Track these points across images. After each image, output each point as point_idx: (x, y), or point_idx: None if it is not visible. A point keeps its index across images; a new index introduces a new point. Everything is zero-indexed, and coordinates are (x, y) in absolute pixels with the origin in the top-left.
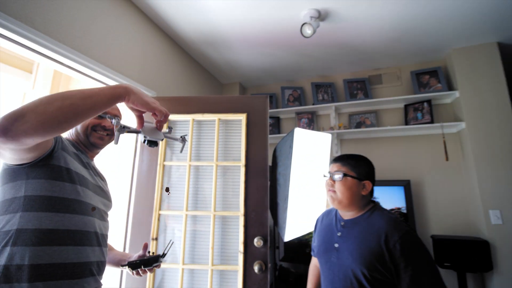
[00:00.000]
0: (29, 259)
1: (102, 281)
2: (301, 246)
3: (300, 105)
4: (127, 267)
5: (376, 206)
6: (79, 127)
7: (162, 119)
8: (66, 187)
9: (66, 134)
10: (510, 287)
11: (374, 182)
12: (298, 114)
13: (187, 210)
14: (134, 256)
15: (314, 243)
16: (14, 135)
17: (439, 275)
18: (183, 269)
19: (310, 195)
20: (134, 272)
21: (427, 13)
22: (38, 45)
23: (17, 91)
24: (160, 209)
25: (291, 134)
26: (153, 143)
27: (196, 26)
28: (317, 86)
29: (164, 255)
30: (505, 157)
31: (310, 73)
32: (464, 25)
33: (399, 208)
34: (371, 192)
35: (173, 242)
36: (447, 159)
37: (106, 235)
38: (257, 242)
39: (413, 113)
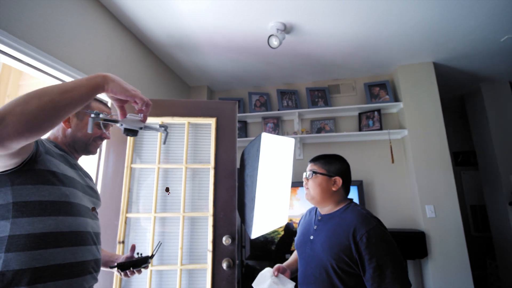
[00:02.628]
0: (26, 263)
1: None
2: (267, 244)
3: (266, 110)
4: (116, 268)
5: (352, 203)
6: (79, 134)
7: (143, 108)
8: (54, 191)
9: (48, 135)
10: (441, 271)
11: (349, 180)
12: (264, 119)
13: (155, 212)
14: (122, 257)
15: (296, 237)
16: None
17: (403, 268)
18: (151, 270)
19: (276, 195)
20: (122, 273)
21: (378, 34)
22: None
23: None
24: (127, 211)
25: (258, 138)
26: (130, 132)
27: (166, 29)
28: (282, 93)
29: (152, 256)
30: (438, 160)
31: (276, 80)
32: (407, 46)
33: None
34: (346, 189)
35: (161, 243)
36: (393, 161)
37: (99, 233)
38: (225, 240)
39: (365, 120)
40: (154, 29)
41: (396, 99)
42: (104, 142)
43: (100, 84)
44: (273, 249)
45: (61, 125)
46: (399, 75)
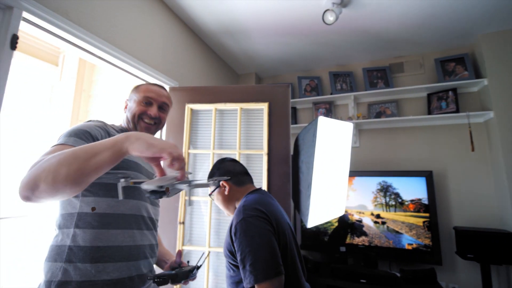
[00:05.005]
0: (90, 241)
1: None
2: (319, 235)
3: (317, 95)
4: (152, 281)
5: (245, 196)
6: (129, 115)
7: (173, 164)
8: (115, 174)
9: (120, 122)
10: None
11: (232, 173)
12: (316, 104)
13: None
14: (171, 262)
15: None
16: (35, 201)
17: (263, 259)
18: (209, 251)
19: (333, 184)
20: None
21: None
22: (72, 36)
23: (45, 84)
24: (186, 194)
25: (314, 122)
26: (155, 193)
27: (215, 15)
28: (335, 76)
29: (198, 267)
30: None
31: (328, 62)
32: (495, 8)
33: (419, 199)
34: (238, 181)
35: (207, 253)
36: (473, 149)
37: (156, 220)
38: None
39: (436, 102)
40: (204, 16)
41: (477, 75)
42: (164, 130)
43: (124, 146)
44: (325, 241)
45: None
46: (482, 46)
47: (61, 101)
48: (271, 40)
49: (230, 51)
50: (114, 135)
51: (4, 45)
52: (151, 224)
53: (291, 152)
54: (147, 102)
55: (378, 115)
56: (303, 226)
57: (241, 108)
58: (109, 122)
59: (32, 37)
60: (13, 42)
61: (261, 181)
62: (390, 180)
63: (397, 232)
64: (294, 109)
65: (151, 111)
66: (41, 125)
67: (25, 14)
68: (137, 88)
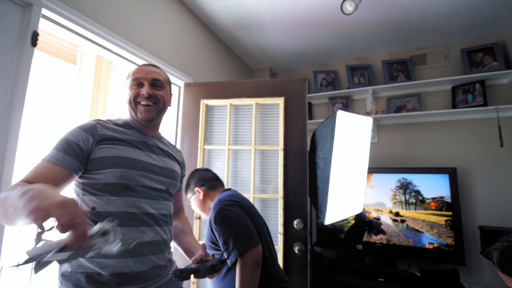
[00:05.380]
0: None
1: None
2: (335, 232)
3: (334, 89)
4: (174, 275)
5: (219, 195)
6: (127, 103)
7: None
8: (105, 173)
9: (127, 116)
10: None
11: (204, 181)
12: (332, 99)
13: None
14: (196, 256)
15: None
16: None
17: (243, 234)
18: None
19: (351, 180)
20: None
21: None
22: (89, 32)
23: (64, 82)
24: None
25: (332, 117)
26: (38, 267)
27: (228, 9)
28: (352, 69)
29: (223, 261)
30: None
31: (345, 55)
32: None
33: (442, 197)
34: (210, 186)
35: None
36: (501, 145)
37: (163, 214)
38: (297, 224)
39: (462, 95)
40: (218, 10)
41: (508, 66)
42: (179, 126)
43: (22, 211)
44: (341, 238)
45: None
46: None
47: (79, 99)
48: (286, 34)
49: (244, 46)
50: (103, 134)
51: (25, 42)
52: (151, 221)
53: (308, 148)
54: (137, 83)
55: (398, 109)
56: (318, 223)
57: (257, 103)
58: (123, 117)
59: (51, 35)
60: (34, 39)
61: (277, 177)
62: (410, 177)
63: (417, 230)
64: (310, 105)
65: (143, 91)
66: (61, 122)
67: (44, 11)
68: (127, 75)
